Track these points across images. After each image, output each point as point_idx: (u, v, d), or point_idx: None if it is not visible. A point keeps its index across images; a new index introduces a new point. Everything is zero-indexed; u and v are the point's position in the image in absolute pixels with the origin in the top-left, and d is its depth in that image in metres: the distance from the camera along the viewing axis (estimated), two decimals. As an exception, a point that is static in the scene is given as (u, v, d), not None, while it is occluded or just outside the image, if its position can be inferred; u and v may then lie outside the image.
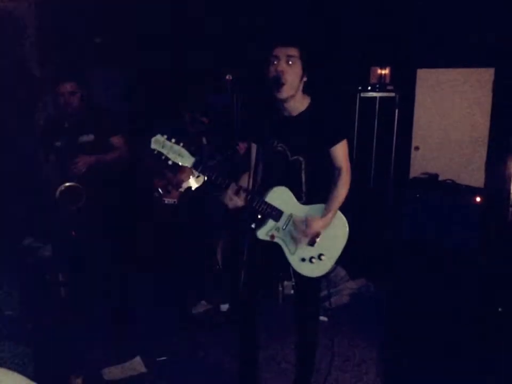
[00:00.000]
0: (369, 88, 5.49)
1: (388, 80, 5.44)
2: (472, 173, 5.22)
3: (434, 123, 5.54)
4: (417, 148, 5.65)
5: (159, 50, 4.87)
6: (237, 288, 2.38)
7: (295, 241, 2.54)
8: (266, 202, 2.49)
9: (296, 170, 2.53)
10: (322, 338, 2.92)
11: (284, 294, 4.08)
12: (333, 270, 2.73)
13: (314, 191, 2.55)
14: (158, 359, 3.25)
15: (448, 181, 5.08)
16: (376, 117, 5.55)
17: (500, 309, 3.35)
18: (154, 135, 2.37)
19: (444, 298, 3.84)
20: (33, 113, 3.85)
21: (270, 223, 2.54)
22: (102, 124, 3.56)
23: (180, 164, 2.37)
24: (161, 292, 4.16)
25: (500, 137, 4.78)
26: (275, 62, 2.39)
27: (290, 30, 4.68)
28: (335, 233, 2.58)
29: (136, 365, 3.17)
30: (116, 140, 3.61)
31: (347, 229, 2.60)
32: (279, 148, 2.54)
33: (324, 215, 2.50)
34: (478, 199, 4.48)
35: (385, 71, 5.44)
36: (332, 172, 2.55)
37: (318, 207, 2.54)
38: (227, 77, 4.71)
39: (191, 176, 3.97)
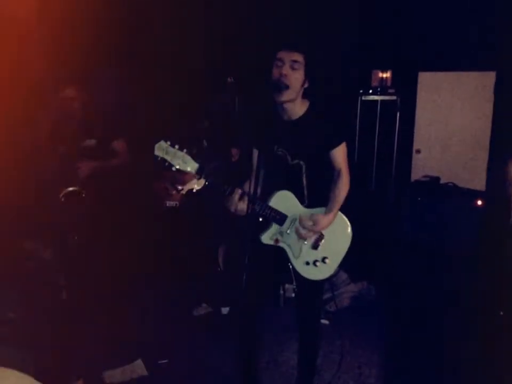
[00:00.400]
0: (370, 91, 5.51)
1: (389, 84, 5.45)
2: (473, 176, 5.22)
3: (435, 126, 5.54)
4: (418, 151, 5.66)
5: (160, 52, 4.88)
6: (238, 291, 2.39)
7: (300, 243, 2.54)
8: (270, 207, 2.49)
9: (297, 174, 2.54)
10: (323, 341, 2.92)
11: (285, 297, 4.08)
12: (336, 273, 2.74)
13: (316, 194, 2.56)
14: (159, 362, 3.25)
15: (449, 184, 5.09)
16: (378, 120, 5.56)
17: (501, 313, 3.35)
18: (158, 141, 2.38)
19: (444, 301, 3.84)
20: (34, 116, 3.85)
21: (274, 227, 2.55)
22: (104, 128, 3.57)
23: (183, 170, 2.38)
24: (162, 294, 4.16)
25: (501, 140, 4.77)
26: (279, 65, 2.40)
27: (295, 34, 4.68)
28: (338, 236, 2.59)
29: (138, 368, 3.16)
30: (118, 145, 3.62)
31: (350, 232, 2.61)
32: (280, 153, 2.55)
33: (327, 212, 2.51)
34: (479, 202, 4.49)
35: (387, 75, 5.45)
36: (331, 174, 2.56)
37: (321, 210, 2.55)
38: (228, 79, 4.75)
39: (193, 178, 3.97)
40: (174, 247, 4.25)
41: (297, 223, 2.54)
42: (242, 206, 2.41)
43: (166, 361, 3.26)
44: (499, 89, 5.03)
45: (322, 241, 2.54)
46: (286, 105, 2.48)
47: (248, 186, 2.42)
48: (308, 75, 2.45)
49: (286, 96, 2.40)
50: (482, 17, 4.75)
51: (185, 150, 2.36)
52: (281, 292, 4.07)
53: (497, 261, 3.75)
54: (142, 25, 4.70)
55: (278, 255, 2.59)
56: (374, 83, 5.51)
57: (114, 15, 4.25)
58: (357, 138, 5.52)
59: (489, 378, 2.86)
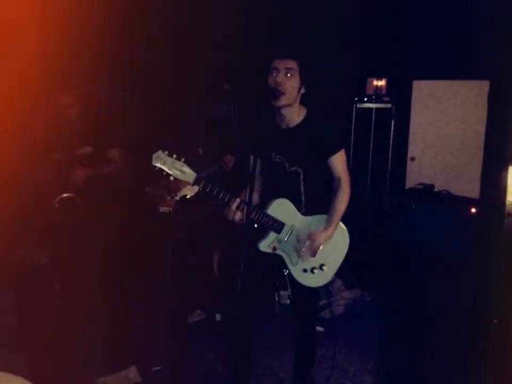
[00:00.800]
0: (365, 99, 5.53)
1: (384, 92, 5.48)
2: (468, 184, 5.24)
3: (430, 134, 5.57)
4: (413, 159, 5.68)
5: (156, 59, 4.88)
6: (232, 298, 2.39)
7: (297, 253, 2.55)
8: (267, 215, 2.50)
9: (294, 182, 2.54)
10: (318, 348, 2.92)
11: (280, 303, 4.07)
12: (333, 279, 2.75)
13: (314, 201, 2.57)
14: (153, 368, 3.24)
15: (443, 192, 5.12)
16: (373, 127, 5.58)
17: (495, 320, 3.35)
18: (153, 149, 2.38)
19: (439, 309, 3.85)
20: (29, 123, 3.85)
21: (272, 235, 2.55)
22: (100, 136, 3.57)
23: (181, 180, 2.38)
24: (156, 300, 4.15)
25: (495, 148, 4.81)
26: (274, 74, 2.42)
27: (290, 42, 4.70)
28: (336, 243, 2.60)
29: (131, 375, 3.15)
30: (113, 153, 3.63)
31: (348, 238, 2.64)
32: (277, 160, 2.55)
33: (326, 228, 2.53)
34: (473, 209, 4.51)
35: (382, 83, 5.48)
36: (331, 183, 2.58)
37: (319, 217, 2.56)
38: (225, 87, 4.76)
39: (188, 185, 3.96)
40: (168, 253, 4.24)
41: (294, 231, 2.54)
42: (240, 214, 2.42)
43: (159, 368, 3.25)
44: (493, 98, 5.07)
45: (320, 248, 2.55)
46: (284, 112, 2.49)
47: (245, 194, 2.43)
48: (304, 80, 2.46)
49: (282, 100, 2.42)
50: (477, 26, 4.79)
51: (183, 160, 2.36)
52: (276, 298, 4.06)
53: (491, 268, 3.77)
54: (138, 33, 4.70)
55: (273, 262, 2.59)
56: (369, 91, 5.53)
57: (110, 23, 4.25)
58: (351, 145, 5.55)
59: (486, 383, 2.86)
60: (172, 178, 2.37)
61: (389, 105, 5.45)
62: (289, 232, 2.54)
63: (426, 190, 5.20)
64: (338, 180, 2.56)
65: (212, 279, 4.23)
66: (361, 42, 5.25)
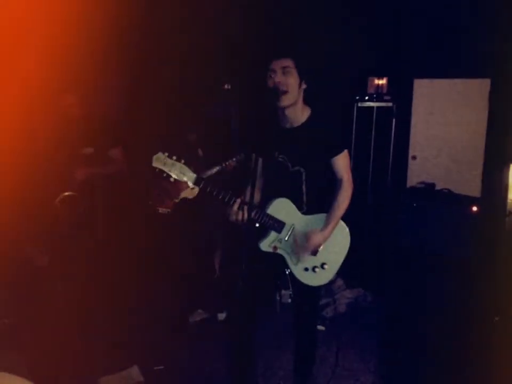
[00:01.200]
0: (366, 98, 5.52)
1: (385, 90, 5.46)
2: (469, 183, 5.24)
3: (431, 132, 5.56)
4: (414, 157, 5.67)
5: (159, 59, 4.89)
6: (234, 297, 2.39)
7: (298, 252, 2.55)
8: (268, 215, 2.50)
9: (297, 181, 2.55)
10: (319, 347, 2.92)
11: (281, 302, 4.07)
12: (334, 278, 2.75)
13: (315, 201, 2.58)
14: (155, 368, 3.25)
15: (444, 190, 5.11)
16: (374, 126, 5.57)
17: (496, 318, 3.36)
18: (154, 150, 2.39)
19: (440, 307, 3.85)
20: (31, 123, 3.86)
21: (273, 234, 2.55)
22: (102, 136, 3.57)
23: (181, 180, 2.39)
24: (158, 300, 4.16)
25: (497, 147, 4.80)
26: (272, 76, 2.43)
27: (285, 41, 4.71)
28: (337, 242, 2.61)
29: (134, 374, 3.16)
30: (115, 153, 3.63)
31: (349, 237, 2.64)
32: (280, 159, 2.56)
33: (323, 228, 2.53)
34: (474, 208, 4.51)
35: (383, 81, 5.47)
36: (333, 183, 2.58)
37: (319, 216, 2.57)
38: (225, 86, 4.75)
39: (188, 187, 3.97)
40: (169, 253, 4.24)
41: (295, 230, 2.55)
42: (241, 214, 2.43)
43: (161, 367, 3.26)
44: (494, 96, 5.06)
45: (321, 247, 2.55)
46: (288, 112, 2.50)
47: (246, 194, 2.43)
48: (302, 75, 2.47)
49: (286, 100, 2.43)
50: (478, 24, 4.78)
51: (182, 161, 2.37)
52: (278, 297, 4.06)
53: (492, 266, 3.77)
54: (139, 34, 4.71)
55: (274, 261, 2.60)
56: (370, 90, 5.52)
57: (112, 24, 4.26)
58: (352, 144, 5.54)
59: (487, 382, 2.86)
60: (172, 179, 2.38)
61: (390, 104, 5.44)
62: (290, 231, 2.55)
63: (428, 189, 5.20)
64: (341, 180, 2.57)
65: (214, 279, 4.24)
66: (362, 41, 5.24)
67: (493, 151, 4.98)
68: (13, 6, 3.72)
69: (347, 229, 2.65)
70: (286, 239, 2.55)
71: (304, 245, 2.51)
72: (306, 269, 2.58)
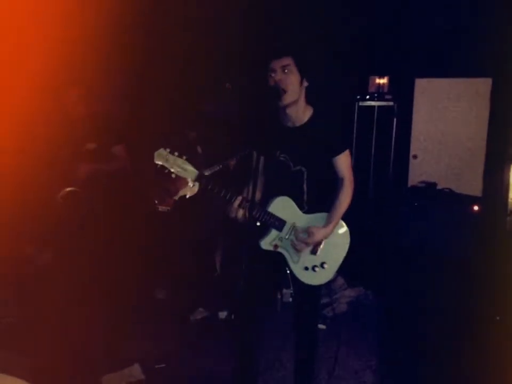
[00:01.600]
0: (367, 97, 5.52)
1: (386, 90, 5.47)
2: (470, 182, 5.24)
3: (432, 132, 5.56)
4: (415, 157, 5.67)
5: (162, 58, 4.90)
6: (235, 296, 2.40)
7: (298, 250, 2.56)
8: (269, 213, 2.50)
9: (298, 181, 2.55)
10: (320, 346, 2.92)
11: (282, 301, 4.08)
12: (334, 278, 2.75)
13: (316, 200, 2.58)
14: (156, 366, 3.25)
15: (446, 190, 5.11)
16: (375, 125, 5.58)
17: (498, 317, 3.36)
18: (156, 147, 2.39)
19: (442, 307, 3.85)
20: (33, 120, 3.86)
21: (273, 233, 2.55)
22: (105, 132, 3.58)
23: (183, 177, 2.39)
24: (159, 298, 4.16)
25: (498, 146, 4.80)
26: (272, 75, 2.44)
27: (285, 40, 4.70)
28: (337, 241, 2.61)
29: (135, 372, 3.16)
30: (118, 150, 3.64)
31: (349, 237, 2.64)
32: (282, 158, 2.56)
33: (325, 225, 2.53)
34: (475, 207, 4.51)
35: (384, 81, 5.47)
36: (335, 182, 2.58)
37: (320, 215, 2.57)
38: (227, 86, 4.76)
39: (188, 184, 3.98)
40: (170, 251, 4.25)
41: (296, 229, 2.55)
42: (242, 212, 2.43)
43: (163, 365, 3.26)
44: (495, 96, 5.06)
45: (321, 246, 2.56)
46: (290, 111, 2.50)
47: (247, 192, 2.43)
48: (303, 73, 2.47)
49: (287, 99, 2.42)
50: (479, 23, 4.78)
51: (184, 157, 2.37)
52: (279, 296, 4.07)
53: (493, 266, 3.77)
54: (142, 32, 4.71)
55: (275, 260, 2.60)
56: (371, 89, 5.53)
57: (115, 21, 4.27)
58: (353, 143, 5.55)
59: (488, 381, 2.86)
60: (173, 176, 2.38)
61: (391, 103, 5.45)
62: (291, 229, 2.55)
63: (429, 188, 5.20)
64: (342, 180, 2.57)
65: (214, 277, 4.24)
66: (363, 40, 5.24)
67: (494, 151, 4.99)
68: (17, 3, 3.72)
69: (347, 229, 2.65)
70: (287, 237, 2.55)
71: (306, 241, 2.51)
72: (306, 268, 2.58)
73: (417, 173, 5.61)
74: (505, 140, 4.51)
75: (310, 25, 5.08)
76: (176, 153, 2.36)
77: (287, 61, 2.43)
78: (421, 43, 5.20)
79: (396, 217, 5.02)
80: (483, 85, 5.19)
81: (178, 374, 3.20)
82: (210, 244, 4.32)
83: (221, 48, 5.03)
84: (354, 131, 5.58)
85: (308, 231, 2.52)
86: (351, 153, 2.64)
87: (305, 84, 2.51)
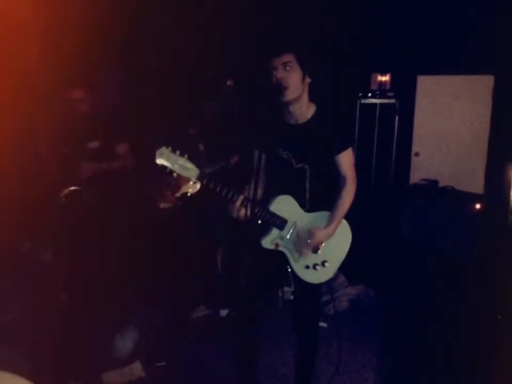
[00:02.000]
0: (369, 94, 5.52)
1: (388, 87, 5.46)
2: (472, 179, 5.23)
3: (434, 129, 5.56)
4: (417, 154, 5.67)
5: (164, 56, 4.89)
6: (236, 294, 2.39)
7: (299, 249, 2.55)
8: (270, 212, 2.49)
9: (300, 178, 2.53)
10: (321, 344, 2.91)
11: (283, 299, 4.06)
12: (335, 275, 2.74)
13: (318, 198, 2.56)
14: (157, 364, 3.25)
15: (447, 187, 5.10)
16: (377, 123, 5.57)
17: (499, 316, 3.35)
18: (157, 145, 2.38)
19: (443, 304, 3.84)
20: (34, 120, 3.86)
21: (275, 232, 2.54)
22: (109, 131, 3.57)
23: (185, 175, 2.37)
24: (160, 296, 4.16)
25: (500, 144, 4.79)
26: (274, 72, 2.43)
27: (285, 37, 4.69)
28: (338, 239, 2.60)
29: (136, 370, 3.16)
30: (121, 148, 3.63)
31: (350, 236, 2.63)
32: (284, 156, 2.55)
33: (327, 225, 2.52)
34: (477, 205, 4.50)
35: (386, 78, 5.46)
36: (337, 181, 2.57)
37: (322, 214, 2.55)
38: (228, 82, 4.74)
39: (190, 182, 3.97)
40: (172, 249, 4.24)
41: (297, 228, 2.54)
42: (244, 211, 2.42)
43: (163, 363, 3.26)
44: (497, 93, 5.05)
45: (322, 244, 2.55)
46: (293, 108, 2.48)
47: (249, 190, 2.42)
48: (305, 69, 2.46)
49: (289, 95, 2.41)
50: (481, 21, 4.77)
51: (186, 156, 2.36)
52: (280, 294, 4.05)
53: (495, 264, 3.76)
54: (144, 30, 4.71)
55: (277, 258, 2.59)
56: (373, 86, 5.52)
57: (117, 20, 4.27)
58: (355, 141, 5.54)
59: (488, 380, 2.86)
60: (175, 174, 2.37)
61: (393, 101, 5.44)
62: (292, 228, 2.54)
63: (431, 186, 5.19)
64: (344, 178, 2.55)
65: (216, 275, 4.24)
66: (365, 37, 5.23)
67: (496, 148, 4.98)
68: (17, 3, 3.71)
69: (348, 227, 2.64)
70: (288, 236, 2.54)
71: (307, 241, 2.50)
72: (307, 267, 2.57)
73: (419, 170, 5.60)
74: (507, 137, 4.49)
75: (312, 22, 5.07)
76: (177, 152, 2.35)
77: (288, 57, 2.42)
78: (423, 40, 5.19)
79: (398, 214, 5.01)
80: (485, 82, 5.17)
81: (178, 371, 3.20)
82: (211, 242, 4.32)
83: (223, 46, 5.02)
84: (356, 128, 5.57)
85: (309, 232, 2.51)
86: (353, 151, 2.63)
87: (308, 80, 2.50)
